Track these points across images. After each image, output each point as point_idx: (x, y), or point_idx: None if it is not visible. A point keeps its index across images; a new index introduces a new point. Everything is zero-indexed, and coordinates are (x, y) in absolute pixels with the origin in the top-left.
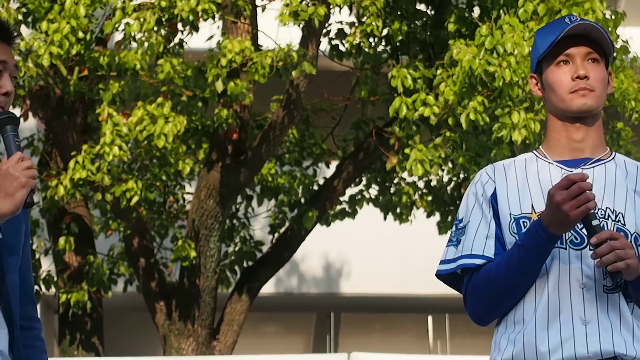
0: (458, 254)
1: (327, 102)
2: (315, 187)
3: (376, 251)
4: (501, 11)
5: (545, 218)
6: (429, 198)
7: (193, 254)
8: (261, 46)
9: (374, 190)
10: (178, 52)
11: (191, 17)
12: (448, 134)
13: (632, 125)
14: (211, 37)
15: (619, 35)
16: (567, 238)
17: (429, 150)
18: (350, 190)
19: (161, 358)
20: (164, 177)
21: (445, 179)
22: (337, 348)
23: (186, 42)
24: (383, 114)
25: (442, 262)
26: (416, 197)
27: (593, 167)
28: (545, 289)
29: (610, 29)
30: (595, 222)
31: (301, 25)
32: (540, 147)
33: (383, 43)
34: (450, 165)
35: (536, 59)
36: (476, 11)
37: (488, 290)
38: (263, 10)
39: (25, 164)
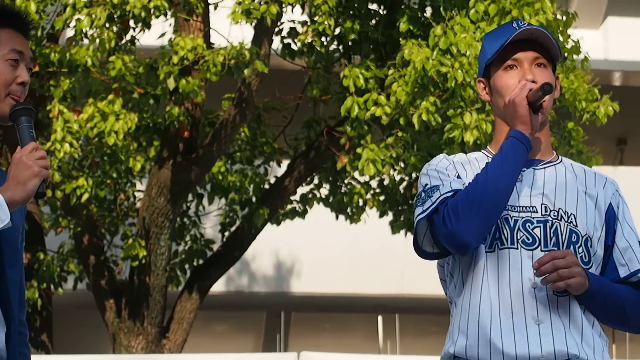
0: (435, 197)
1: (278, 100)
2: (267, 186)
3: (327, 251)
4: (453, 12)
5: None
6: (381, 198)
7: (143, 252)
8: (213, 44)
9: (325, 190)
10: (130, 49)
11: (143, 14)
12: (400, 133)
13: (583, 125)
14: (163, 34)
15: (569, 36)
16: (519, 238)
17: (381, 150)
18: (302, 190)
19: (110, 356)
20: (114, 175)
21: (397, 178)
22: (287, 347)
23: (138, 39)
24: (335, 113)
25: (420, 213)
26: (368, 196)
27: (544, 168)
28: (497, 287)
29: (561, 29)
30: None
31: (253, 24)
32: (488, 147)
33: (335, 42)
34: (401, 165)
35: (484, 63)
36: (428, 11)
37: (469, 201)
38: (215, 8)
39: (38, 154)
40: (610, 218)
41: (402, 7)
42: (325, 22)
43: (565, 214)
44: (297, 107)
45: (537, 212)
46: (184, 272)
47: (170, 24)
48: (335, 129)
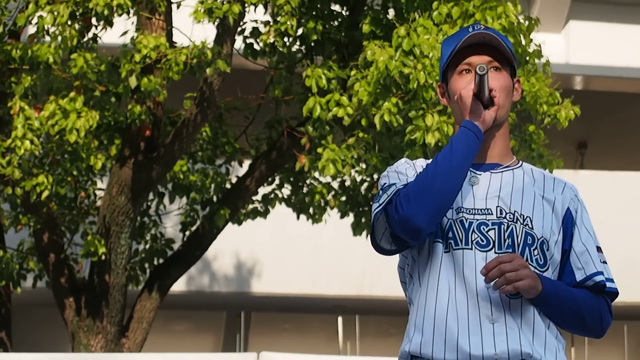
0: (391, 191)
1: (240, 100)
2: (228, 186)
3: (288, 251)
4: (415, 13)
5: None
6: (343, 198)
7: (103, 250)
8: (176, 43)
9: (286, 190)
10: (92, 46)
11: (106, 12)
12: (361, 134)
13: (544, 129)
14: (125, 32)
15: (532, 40)
16: (473, 240)
17: (342, 151)
18: (263, 190)
19: (69, 354)
20: (75, 172)
21: (358, 179)
22: (247, 347)
23: (100, 37)
24: (297, 114)
25: (376, 208)
26: (330, 197)
27: (501, 172)
28: (454, 286)
29: (523, 33)
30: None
31: (216, 23)
32: None
33: (297, 43)
34: (363, 166)
35: (441, 68)
36: (391, 13)
37: (420, 187)
38: (178, 7)
39: None
40: (568, 222)
41: (365, 8)
42: (288, 23)
43: (521, 216)
44: (259, 107)
45: (492, 214)
46: (144, 271)
47: (133, 22)
48: (296, 130)
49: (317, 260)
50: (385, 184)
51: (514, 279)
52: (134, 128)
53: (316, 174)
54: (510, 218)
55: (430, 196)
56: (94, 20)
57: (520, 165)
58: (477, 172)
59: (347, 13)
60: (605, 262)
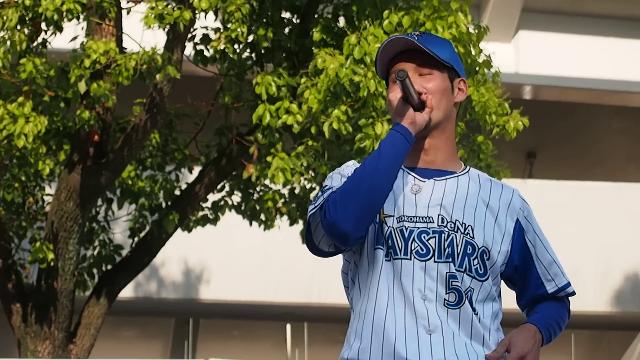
0: (327, 194)
1: (190, 107)
2: (177, 192)
3: (236, 258)
4: (366, 22)
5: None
6: (293, 205)
7: (51, 255)
8: (125, 49)
9: (236, 197)
10: (41, 51)
11: (55, 17)
12: (310, 142)
13: (493, 139)
14: (75, 37)
15: (482, 50)
16: (412, 249)
17: (291, 159)
18: (213, 197)
19: None
20: (23, 178)
21: (308, 187)
22: (195, 354)
23: (49, 42)
24: (246, 121)
25: (311, 209)
26: (280, 204)
27: (445, 179)
28: (393, 295)
29: (473, 42)
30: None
31: (166, 29)
32: None
33: (248, 50)
34: (312, 174)
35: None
36: (341, 21)
37: (346, 192)
38: (128, 12)
39: None
40: (520, 233)
41: (316, 16)
42: (238, 29)
43: (462, 225)
44: (209, 113)
45: (433, 222)
46: (92, 277)
47: (83, 28)
48: (245, 138)
49: (266, 268)
50: (326, 186)
51: None
52: (83, 133)
53: (266, 181)
54: (451, 227)
55: (356, 200)
56: (43, 25)
57: (467, 172)
58: (421, 179)
59: (298, 21)
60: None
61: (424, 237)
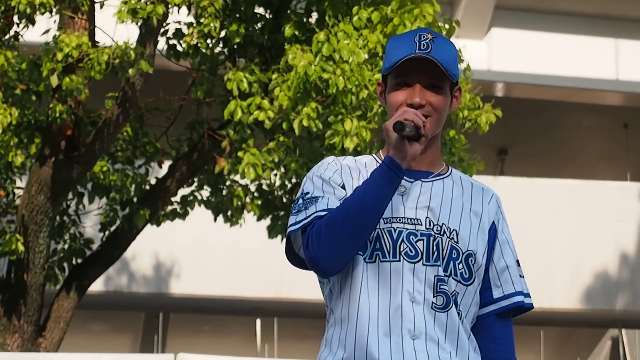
0: (310, 212)
1: (162, 101)
2: (148, 187)
3: (206, 253)
4: (335, 19)
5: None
6: (259, 202)
7: (21, 248)
8: (98, 42)
9: (206, 192)
10: (13, 44)
11: (28, 10)
12: (282, 138)
13: (465, 135)
14: (47, 31)
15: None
16: (402, 250)
17: (262, 155)
18: (182, 191)
19: None
20: None
21: (278, 183)
22: (165, 348)
23: (22, 35)
24: (218, 116)
25: (292, 224)
26: (247, 200)
27: (432, 181)
28: (377, 299)
29: (444, 35)
30: (406, 131)
31: (139, 24)
32: (380, 151)
33: (220, 45)
34: (282, 170)
35: (384, 71)
36: (314, 17)
37: (333, 224)
38: (101, 6)
39: None
40: (492, 236)
41: (288, 12)
42: (211, 24)
43: (448, 229)
44: (180, 108)
45: (421, 224)
46: (63, 270)
47: (55, 21)
48: (217, 132)
49: (236, 263)
50: (307, 193)
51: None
52: (55, 127)
53: (236, 177)
54: (437, 230)
55: (340, 242)
56: (15, 18)
57: (450, 174)
58: (408, 180)
59: (271, 16)
60: (523, 276)
61: (413, 238)
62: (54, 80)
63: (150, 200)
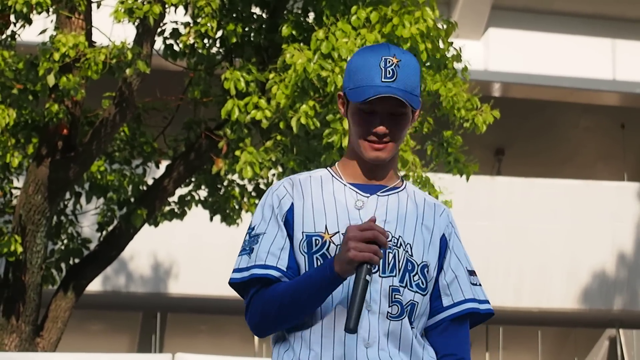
0: (251, 262)
1: (159, 101)
2: (145, 187)
3: (204, 253)
4: (334, 18)
5: (337, 254)
6: (257, 201)
7: (19, 249)
8: (95, 42)
9: (203, 192)
10: (10, 44)
11: (25, 10)
12: (279, 137)
13: (462, 136)
14: (44, 30)
15: (451, 43)
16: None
17: (260, 153)
18: (180, 191)
19: None
20: None
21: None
22: (163, 348)
23: (19, 35)
24: (215, 116)
25: (235, 270)
26: (245, 200)
27: (388, 195)
28: (333, 307)
29: (442, 37)
30: (368, 278)
31: (136, 23)
32: (336, 164)
33: (217, 44)
34: (280, 169)
35: (346, 90)
36: (311, 17)
37: (268, 309)
38: (98, 6)
39: None
40: (442, 249)
41: (285, 12)
42: (208, 24)
43: (403, 242)
44: (177, 108)
45: None
46: (60, 270)
47: (52, 21)
48: (214, 132)
49: (233, 262)
50: (254, 229)
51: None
52: (52, 127)
53: (234, 177)
54: (394, 242)
55: (274, 326)
56: (12, 18)
57: (404, 188)
58: (364, 194)
59: (268, 16)
60: (477, 284)
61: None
62: (51, 80)
63: (148, 200)
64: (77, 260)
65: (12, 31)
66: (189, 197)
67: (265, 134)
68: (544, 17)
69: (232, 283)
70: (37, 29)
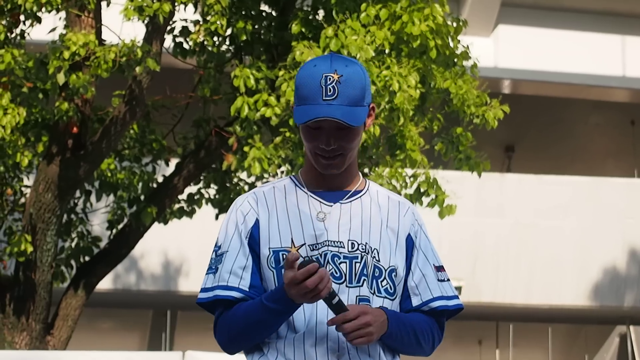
0: (215, 283)
1: (169, 99)
2: (155, 185)
3: None
4: (345, 15)
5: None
6: None
7: (30, 248)
8: (105, 41)
9: (212, 190)
10: (20, 42)
11: (34, 8)
12: (288, 134)
13: (472, 131)
14: (54, 29)
15: (459, 41)
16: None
17: (268, 150)
18: (189, 189)
19: None
20: (1, 169)
21: None
22: (173, 346)
23: (28, 33)
24: (225, 113)
25: (202, 290)
26: None
27: (350, 201)
28: (304, 318)
29: (451, 35)
30: (335, 301)
31: (146, 21)
32: (300, 171)
33: (227, 42)
34: (289, 166)
35: (294, 101)
36: (320, 14)
37: (233, 330)
38: (108, 4)
39: None
40: (409, 248)
41: (295, 9)
42: (218, 22)
43: (370, 249)
44: (187, 106)
45: (344, 247)
46: (70, 268)
47: (61, 19)
48: (224, 129)
49: None
50: (219, 247)
51: (363, 335)
52: (62, 125)
53: (242, 175)
54: (362, 249)
55: (237, 346)
56: (22, 16)
57: (367, 189)
58: (327, 203)
59: (277, 14)
60: (444, 280)
61: (336, 260)
62: (61, 79)
63: (158, 198)
64: (87, 259)
65: (22, 30)
66: (198, 196)
67: (275, 131)
68: (553, 13)
69: (199, 303)
70: (47, 28)
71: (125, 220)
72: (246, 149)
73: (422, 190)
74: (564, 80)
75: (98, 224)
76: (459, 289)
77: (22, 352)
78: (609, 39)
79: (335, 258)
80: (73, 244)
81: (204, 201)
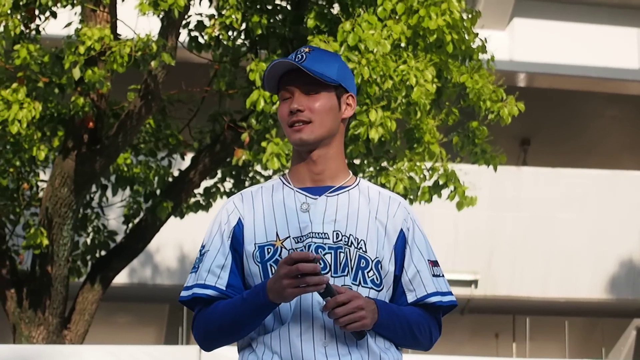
0: (194, 281)
1: (184, 93)
2: (171, 179)
3: None
4: (360, 9)
5: (269, 282)
6: None
7: (45, 241)
8: (120, 35)
9: (228, 184)
10: (35, 37)
11: (50, 3)
12: None
13: (487, 125)
14: (69, 24)
15: (477, 34)
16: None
17: (286, 144)
18: (205, 183)
19: (11, 346)
20: (17, 163)
21: None
22: (189, 340)
23: (44, 28)
24: (240, 107)
25: (184, 288)
26: None
27: (337, 194)
28: (289, 309)
29: (467, 28)
30: (328, 298)
31: (161, 16)
32: (288, 171)
33: (242, 36)
34: None
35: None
36: (336, 8)
37: (211, 327)
38: None
39: None
40: (400, 244)
41: (310, 3)
42: (233, 16)
43: (355, 240)
44: (202, 100)
45: (329, 238)
46: (86, 263)
47: (77, 14)
48: (237, 124)
49: None
50: (204, 246)
51: (355, 319)
52: (77, 120)
53: (258, 168)
54: (345, 241)
55: (217, 343)
56: (37, 11)
57: (357, 184)
58: (312, 196)
59: (292, 7)
60: (438, 276)
61: (321, 252)
62: (77, 73)
63: (174, 192)
64: (103, 253)
65: (37, 25)
66: (214, 189)
67: None
68: (569, 6)
69: (180, 301)
70: (62, 23)
71: (141, 214)
72: (264, 144)
73: (440, 183)
74: (579, 73)
75: (114, 218)
76: (475, 282)
77: (39, 346)
78: (625, 32)
79: (320, 249)
80: (89, 239)
81: (219, 195)
